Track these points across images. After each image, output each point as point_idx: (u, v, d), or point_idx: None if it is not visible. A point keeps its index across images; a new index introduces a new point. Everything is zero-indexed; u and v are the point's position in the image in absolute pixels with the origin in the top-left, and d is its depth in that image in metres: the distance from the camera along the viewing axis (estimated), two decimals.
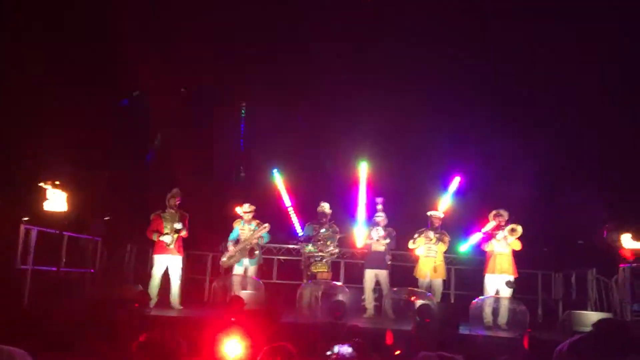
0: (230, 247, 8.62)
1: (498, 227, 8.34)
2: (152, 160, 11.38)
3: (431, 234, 8.58)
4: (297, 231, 10.59)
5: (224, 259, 8.70)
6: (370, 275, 8.75)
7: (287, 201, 11.63)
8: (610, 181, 10.39)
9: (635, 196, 9.54)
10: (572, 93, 10.80)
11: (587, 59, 9.98)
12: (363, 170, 11.37)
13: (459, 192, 10.96)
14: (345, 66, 11.98)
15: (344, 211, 10.56)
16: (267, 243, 9.33)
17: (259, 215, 8.91)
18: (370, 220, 9.14)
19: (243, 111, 13.67)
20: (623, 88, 10.40)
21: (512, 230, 8.15)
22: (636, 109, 10.21)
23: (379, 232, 8.64)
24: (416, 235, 8.71)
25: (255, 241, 8.54)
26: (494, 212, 8.48)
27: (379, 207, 9.03)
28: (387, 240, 8.63)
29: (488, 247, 8.38)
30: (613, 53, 9.85)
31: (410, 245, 8.75)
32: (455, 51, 11.57)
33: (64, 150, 9.10)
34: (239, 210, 8.87)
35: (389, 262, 8.80)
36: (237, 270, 8.55)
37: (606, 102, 10.60)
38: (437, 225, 8.74)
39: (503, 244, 8.23)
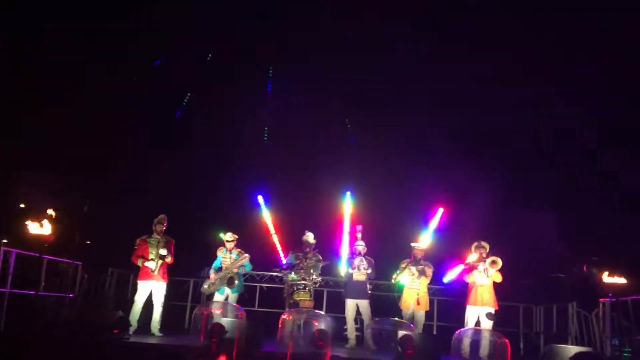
0: (212, 275, 8.58)
1: (480, 259, 8.38)
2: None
3: (414, 269, 8.57)
4: (281, 259, 10.59)
5: (205, 286, 8.64)
6: (351, 305, 8.70)
7: (271, 229, 11.65)
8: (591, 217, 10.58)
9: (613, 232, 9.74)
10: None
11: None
12: (347, 201, 11.48)
13: (442, 223, 11.07)
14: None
15: (328, 241, 10.61)
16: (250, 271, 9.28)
17: (242, 243, 8.88)
18: (352, 249, 9.15)
19: None
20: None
21: (493, 262, 8.20)
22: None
23: (363, 261, 8.64)
24: (398, 271, 8.69)
25: (235, 270, 8.52)
26: (475, 243, 8.53)
27: (359, 235, 9.04)
28: (369, 270, 8.63)
29: (469, 279, 8.41)
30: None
31: (393, 279, 8.74)
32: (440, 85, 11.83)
33: (44, 171, 9.08)
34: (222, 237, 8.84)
35: (369, 292, 8.76)
36: (218, 297, 8.48)
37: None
38: (419, 257, 8.74)
39: (484, 276, 8.27)
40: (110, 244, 9.79)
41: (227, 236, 8.73)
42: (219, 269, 8.59)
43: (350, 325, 8.68)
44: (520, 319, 10.47)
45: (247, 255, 8.60)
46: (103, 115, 11.60)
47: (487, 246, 8.44)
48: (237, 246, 8.73)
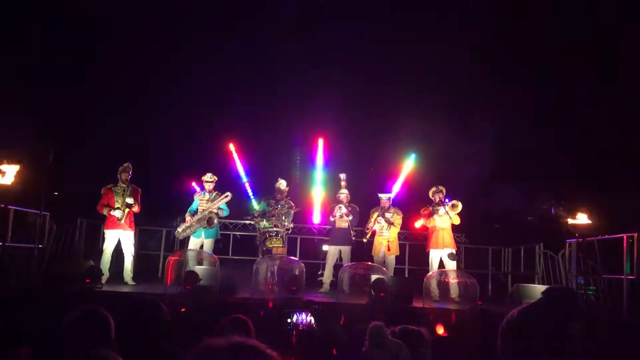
0: (187, 218, 8.45)
1: (439, 203, 8.52)
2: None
3: (382, 220, 8.64)
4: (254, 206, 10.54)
5: (179, 229, 8.53)
6: (333, 251, 8.79)
7: (243, 176, 11.55)
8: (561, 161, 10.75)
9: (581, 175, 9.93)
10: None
11: None
12: (320, 146, 11.39)
13: (412, 169, 11.12)
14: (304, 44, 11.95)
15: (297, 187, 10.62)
16: (225, 218, 9.20)
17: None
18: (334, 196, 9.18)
19: None
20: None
21: (453, 205, 8.44)
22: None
23: (342, 209, 8.68)
24: (370, 223, 8.73)
25: (215, 210, 8.42)
26: (433, 188, 8.67)
27: (343, 183, 9.03)
28: (350, 217, 8.67)
29: (430, 223, 8.58)
30: None
31: (366, 235, 8.78)
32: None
33: (11, 122, 8.77)
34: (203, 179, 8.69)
35: (353, 238, 8.83)
36: (193, 244, 8.43)
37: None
38: (386, 206, 8.80)
39: (445, 219, 8.44)
40: (79, 194, 9.59)
41: (207, 176, 8.60)
42: (195, 212, 8.49)
43: (328, 270, 8.75)
44: (489, 261, 10.72)
45: (228, 193, 8.50)
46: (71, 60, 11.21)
47: (444, 189, 8.59)
48: (215, 189, 8.63)
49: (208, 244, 8.45)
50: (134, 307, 2.74)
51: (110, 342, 2.36)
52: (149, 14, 11.53)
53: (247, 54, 12.79)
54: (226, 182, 9.80)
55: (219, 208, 8.52)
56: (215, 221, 8.41)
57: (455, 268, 8.32)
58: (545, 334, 1.79)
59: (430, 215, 8.56)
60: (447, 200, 8.48)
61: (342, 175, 9.14)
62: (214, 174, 8.72)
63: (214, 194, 8.55)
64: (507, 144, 11.28)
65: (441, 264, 8.52)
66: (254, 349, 1.23)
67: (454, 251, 8.47)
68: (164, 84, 11.93)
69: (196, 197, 8.62)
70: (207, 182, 8.60)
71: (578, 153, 10.97)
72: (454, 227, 8.72)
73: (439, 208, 8.50)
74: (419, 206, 8.97)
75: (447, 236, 8.52)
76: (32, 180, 7.57)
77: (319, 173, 11.22)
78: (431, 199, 8.67)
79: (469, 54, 11.52)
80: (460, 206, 8.41)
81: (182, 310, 6.04)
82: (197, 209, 8.51)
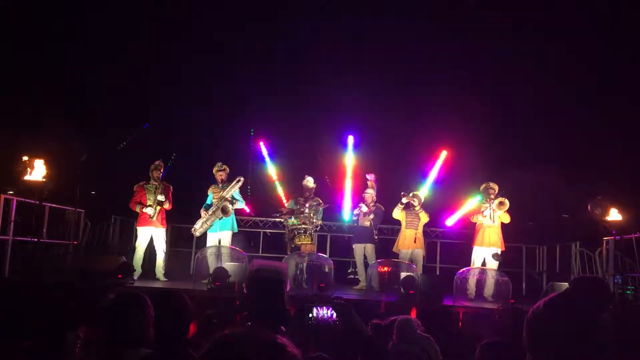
0: (202, 213, 8.38)
1: (487, 201, 8.34)
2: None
3: (416, 200, 8.58)
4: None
5: (195, 226, 8.44)
6: (359, 249, 8.86)
7: (273, 176, 11.59)
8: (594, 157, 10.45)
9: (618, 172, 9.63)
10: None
11: None
12: (350, 144, 11.34)
13: (445, 167, 10.99)
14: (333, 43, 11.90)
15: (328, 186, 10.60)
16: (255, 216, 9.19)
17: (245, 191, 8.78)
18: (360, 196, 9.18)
19: None
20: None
21: (501, 203, 8.17)
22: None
23: (362, 208, 8.72)
24: (400, 206, 8.65)
25: (229, 198, 8.30)
26: (484, 185, 8.48)
27: (369, 183, 9.01)
28: (372, 217, 8.64)
29: (475, 219, 8.41)
30: None
31: (396, 213, 8.69)
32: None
33: (44, 120, 9.00)
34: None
35: (376, 237, 8.79)
36: (211, 240, 8.38)
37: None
38: (415, 205, 8.70)
39: (492, 217, 8.25)
40: (113, 192, 9.77)
41: (216, 167, 8.50)
42: (210, 206, 8.43)
43: (360, 268, 8.81)
44: (523, 260, 10.49)
45: (240, 178, 8.42)
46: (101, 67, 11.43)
47: (496, 187, 8.40)
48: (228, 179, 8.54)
49: (225, 237, 8.37)
50: (159, 299, 2.77)
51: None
52: (172, 14, 11.67)
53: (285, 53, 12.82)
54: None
55: (233, 198, 8.39)
56: (230, 208, 8.26)
57: (496, 268, 8.12)
58: (573, 325, 1.72)
59: (477, 211, 8.41)
60: (494, 197, 8.28)
61: (369, 176, 9.11)
62: (223, 163, 8.61)
63: (227, 184, 8.46)
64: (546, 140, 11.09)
65: (484, 263, 8.30)
66: (274, 345, 1.18)
67: (499, 251, 8.16)
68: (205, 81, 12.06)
69: (210, 191, 8.53)
70: (217, 172, 8.51)
71: (614, 148, 10.64)
72: (503, 226, 8.40)
73: (486, 205, 8.34)
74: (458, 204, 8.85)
75: (493, 235, 8.25)
76: (67, 178, 7.76)
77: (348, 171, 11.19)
78: (484, 194, 8.49)
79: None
80: (507, 204, 8.15)
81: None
82: (211, 202, 8.44)
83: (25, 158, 7.12)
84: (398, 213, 8.66)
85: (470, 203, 9.51)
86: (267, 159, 11.80)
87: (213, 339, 1.20)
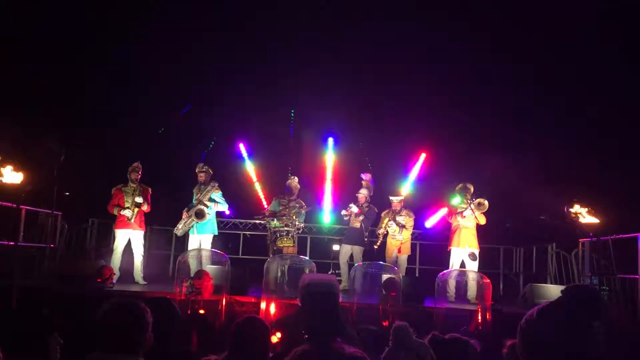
0: (184, 214, 8.31)
1: (464, 202, 8.41)
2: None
3: (393, 224, 8.58)
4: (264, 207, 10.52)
5: (178, 226, 8.37)
6: (345, 250, 8.80)
7: (253, 177, 11.56)
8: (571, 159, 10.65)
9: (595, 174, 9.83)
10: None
11: None
12: (330, 145, 11.38)
13: (424, 168, 11.09)
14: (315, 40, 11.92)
15: (311, 187, 10.59)
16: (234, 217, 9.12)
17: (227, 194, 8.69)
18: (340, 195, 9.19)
19: None
20: None
21: (479, 204, 8.22)
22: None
23: (352, 209, 8.66)
24: (382, 227, 8.68)
25: (205, 202, 8.23)
26: (460, 185, 8.53)
27: (364, 183, 8.99)
28: (361, 217, 8.63)
29: (454, 221, 8.46)
30: None
31: (379, 234, 8.74)
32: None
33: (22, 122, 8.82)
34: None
35: (366, 240, 8.77)
36: (192, 242, 8.33)
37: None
38: (398, 208, 8.74)
39: (469, 218, 8.31)
40: (90, 194, 9.63)
41: (198, 167, 8.42)
42: (191, 207, 8.34)
43: (344, 268, 8.78)
44: (500, 261, 10.63)
45: (216, 183, 8.36)
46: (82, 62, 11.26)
47: (472, 188, 8.46)
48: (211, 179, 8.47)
49: (205, 240, 8.32)
50: (148, 306, 2.74)
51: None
52: (158, 15, 11.56)
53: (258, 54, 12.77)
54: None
55: (212, 201, 8.32)
56: (206, 212, 8.17)
57: (476, 269, 8.17)
58: (567, 334, 1.75)
59: (454, 212, 8.46)
60: (472, 198, 8.34)
61: (364, 176, 9.10)
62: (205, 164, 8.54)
63: (209, 185, 8.40)
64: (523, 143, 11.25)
65: (462, 264, 8.37)
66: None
67: (475, 251, 8.25)
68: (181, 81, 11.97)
69: (194, 191, 8.46)
70: (199, 172, 8.41)
71: (590, 150, 10.86)
72: (478, 227, 8.47)
73: (464, 206, 8.40)
74: (436, 205, 8.90)
75: (470, 236, 8.32)
76: (43, 180, 7.60)
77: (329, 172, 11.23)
78: (460, 194, 8.55)
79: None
80: (486, 204, 8.19)
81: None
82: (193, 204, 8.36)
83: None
84: (453, 218, 8.52)
85: (448, 204, 9.61)
86: (247, 159, 11.78)
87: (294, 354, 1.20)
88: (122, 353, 2.19)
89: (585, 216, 7.59)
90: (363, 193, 8.85)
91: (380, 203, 9.02)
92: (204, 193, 8.30)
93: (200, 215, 8.14)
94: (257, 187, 11.62)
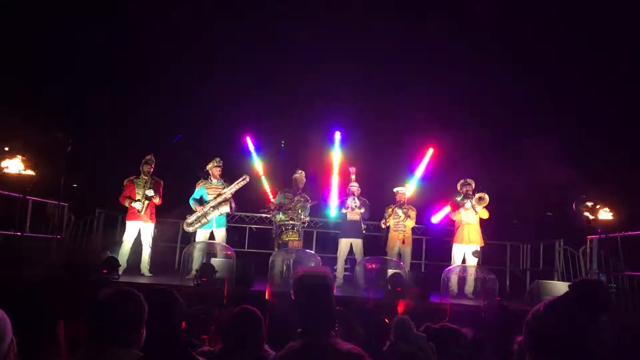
0: (197, 207, 8.18)
1: (466, 197, 8.39)
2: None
3: (399, 211, 8.57)
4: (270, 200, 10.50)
5: (188, 221, 8.26)
6: (345, 244, 8.70)
7: (260, 171, 11.53)
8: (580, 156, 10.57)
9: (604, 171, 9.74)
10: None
11: None
12: (337, 140, 11.32)
13: (431, 164, 11.03)
14: (321, 36, 11.87)
15: (317, 181, 10.55)
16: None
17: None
18: (345, 191, 9.10)
19: None
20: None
21: (480, 198, 8.19)
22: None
23: (355, 201, 8.60)
24: (386, 216, 8.68)
25: (233, 191, 8.28)
26: (461, 181, 8.52)
27: (352, 176, 8.96)
28: (362, 210, 8.59)
29: (456, 217, 8.42)
30: None
31: (382, 225, 8.76)
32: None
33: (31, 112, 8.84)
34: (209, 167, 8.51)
35: (364, 232, 8.76)
36: (201, 236, 8.29)
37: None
38: (402, 200, 8.71)
39: (471, 214, 8.27)
40: (97, 185, 9.66)
41: (216, 161, 8.34)
42: (204, 202, 8.27)
43: (340, 264, 8.71)
44: (507, 257, 10.57)
45: (246, 176, 8.41)
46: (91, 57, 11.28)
47: (473, 183, 8.44)
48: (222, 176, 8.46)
49: (220, 233, 8.29)
50: (150, 297, 2.72)
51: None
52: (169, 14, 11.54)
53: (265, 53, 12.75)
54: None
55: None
56: (233, 205, 8.28)
57: (476, 265, 8.13)
58: (574, 329, 1.72)
59: (457, 208, 8.42)
60: (473, 193, 8.30)
61: (352, 169, 9.07)
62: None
63: (222, 181, 8.37)
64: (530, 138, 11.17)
65: (464, 260, 8.33)
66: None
67: (478, 248, 8.17)
68: (187, 75, 11.95)
69: (201, 186, 8.33)
70: (215, 167, 8.35)
71: (600, 147, 10.78)
72: (482, 223, 8.43)
73: (465, 201, 8.33)
74: (441, 201, 8.87)
75: (473, 231, 8.27)
76: (50, 171, 7.62)
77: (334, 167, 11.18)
78: (459, 192, 8.54)
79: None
80: (487, 199, 8.15)
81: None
82: (201, 198, 8.32)
83: (6, 149, 7.01)
84: (455, 214, 8.48)
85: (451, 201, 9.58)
86: (254, 154, 11.76)
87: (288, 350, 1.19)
88: (115, 345, 2.16)
89: (597, 214, 7.54)
90: (356, 185, 8.79)
91: (383, 198, 8.99)
92: (232, 186, 8.29)
93: (231, 207, 8.28)
94: (264, 180, 11.59)
